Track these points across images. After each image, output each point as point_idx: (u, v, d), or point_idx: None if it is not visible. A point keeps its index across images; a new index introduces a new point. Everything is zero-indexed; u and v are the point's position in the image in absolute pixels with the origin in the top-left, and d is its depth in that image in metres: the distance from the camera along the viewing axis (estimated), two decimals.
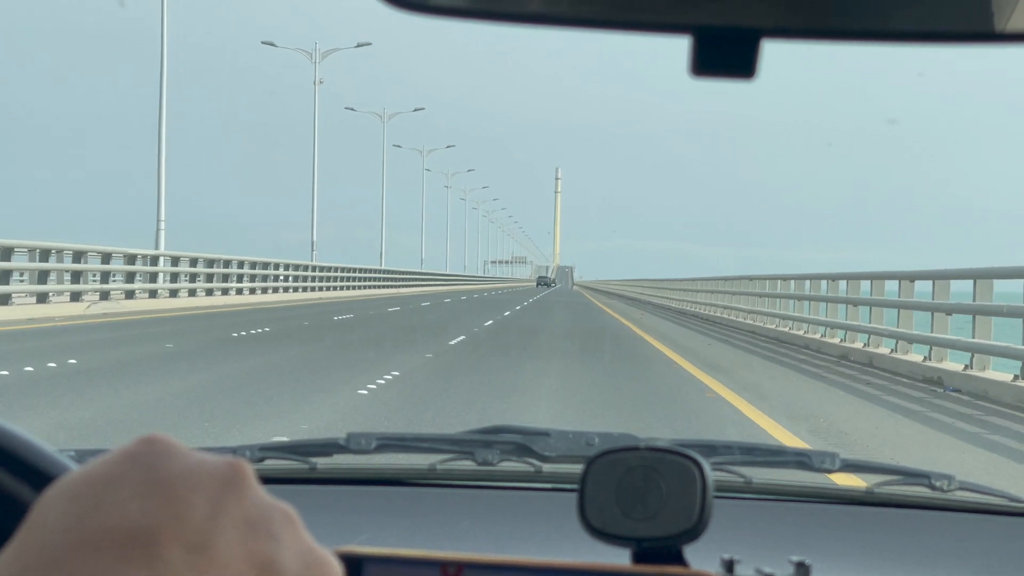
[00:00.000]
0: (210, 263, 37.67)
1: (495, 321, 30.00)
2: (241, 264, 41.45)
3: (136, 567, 0.59)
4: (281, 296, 44.39)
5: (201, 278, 36.95)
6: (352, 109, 76.05)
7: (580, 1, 0.93)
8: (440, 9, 0.94)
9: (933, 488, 1.98)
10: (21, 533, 0.61)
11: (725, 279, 38.58)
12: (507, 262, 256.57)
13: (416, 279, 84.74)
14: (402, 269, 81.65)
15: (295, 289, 48.66)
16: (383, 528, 1.84)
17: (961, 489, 1.98)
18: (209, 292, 37.45)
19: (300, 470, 2.04)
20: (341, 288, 56.92)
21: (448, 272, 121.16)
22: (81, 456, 1.81)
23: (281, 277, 47.30)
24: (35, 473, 0.89)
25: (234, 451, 1.98)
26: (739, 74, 0.89)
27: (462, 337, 21.32)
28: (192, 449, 0.64)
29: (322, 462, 2.06)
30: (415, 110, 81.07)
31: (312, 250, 57.46)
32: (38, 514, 0.61)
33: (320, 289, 52.59)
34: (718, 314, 36.73)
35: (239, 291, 40.42)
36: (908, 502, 2.03)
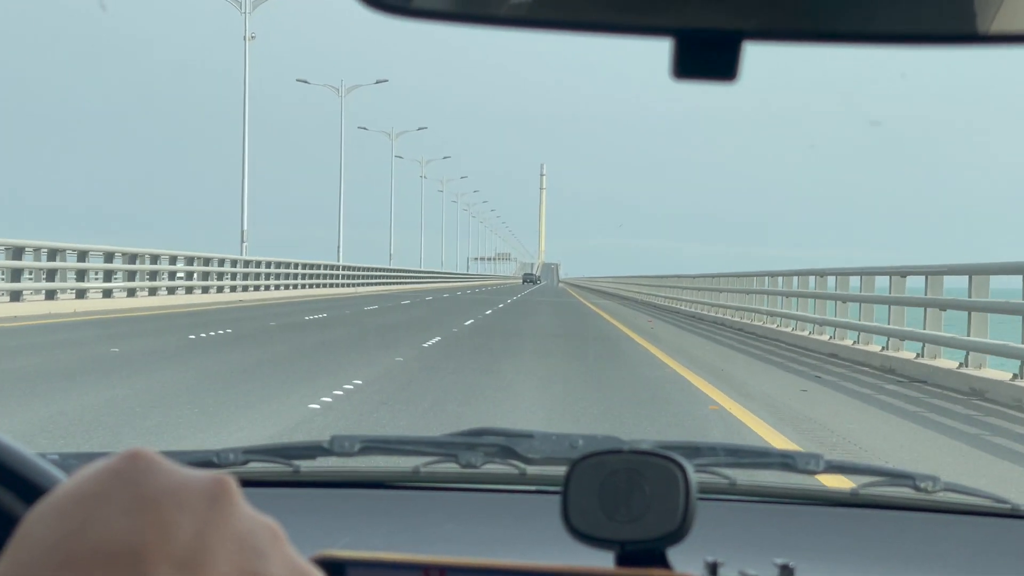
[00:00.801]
0: (52, 255, 28.93)
1: (442, 337, 20.76)
2: (110, 257, 32.00)
3: None
4: (174, 299, 35.75)
5: (39, 275, 28.76)
6: (305, 81, 68.92)
7: (562, 4, 0.93)
8: (420, 12, 0.94)
9: (918, 489, 1.98)
10: (7, 552, 0.61)
11: (771, 274, 28.49)
12: (491, 259, 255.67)
13: (382, 277, 75.71)
14: (363, 265, 70.71)
15: (204, 290, 39.28)
16: (366, 531, 1.84)
17: (946, 490, 1.98)
18: (51, 295, 28.62)
19: (284, 473, 2.04)
20: (286, 287, 49.81)
21: (423, 269, 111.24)
22: (64, 460, 1.80)
23: (181, 274, 37.90)
24: (21, 483, 0.88)
25: (217, 454, 1.98)
26: (721, 76, 0.89)
27: (380, 368, 13.88)
28: (176, 464, 0.64)
29: (306, 465, 2.05)
30: (377, 82, 71.91)
31: (242, 241, 49.62)
32: (24, 533, 0.61)
33: (248, 289, 44.31)
34: (756, 322, 27.85)
35: (107, 293, 31.79)
36: (893, 503, 2.03)
